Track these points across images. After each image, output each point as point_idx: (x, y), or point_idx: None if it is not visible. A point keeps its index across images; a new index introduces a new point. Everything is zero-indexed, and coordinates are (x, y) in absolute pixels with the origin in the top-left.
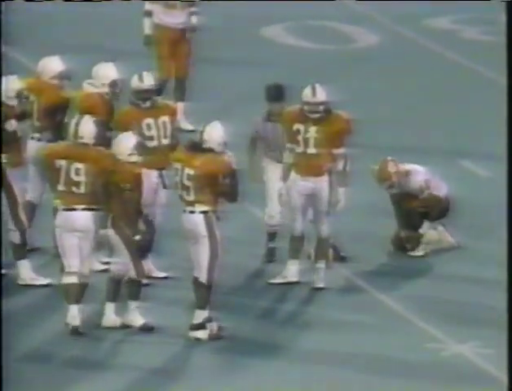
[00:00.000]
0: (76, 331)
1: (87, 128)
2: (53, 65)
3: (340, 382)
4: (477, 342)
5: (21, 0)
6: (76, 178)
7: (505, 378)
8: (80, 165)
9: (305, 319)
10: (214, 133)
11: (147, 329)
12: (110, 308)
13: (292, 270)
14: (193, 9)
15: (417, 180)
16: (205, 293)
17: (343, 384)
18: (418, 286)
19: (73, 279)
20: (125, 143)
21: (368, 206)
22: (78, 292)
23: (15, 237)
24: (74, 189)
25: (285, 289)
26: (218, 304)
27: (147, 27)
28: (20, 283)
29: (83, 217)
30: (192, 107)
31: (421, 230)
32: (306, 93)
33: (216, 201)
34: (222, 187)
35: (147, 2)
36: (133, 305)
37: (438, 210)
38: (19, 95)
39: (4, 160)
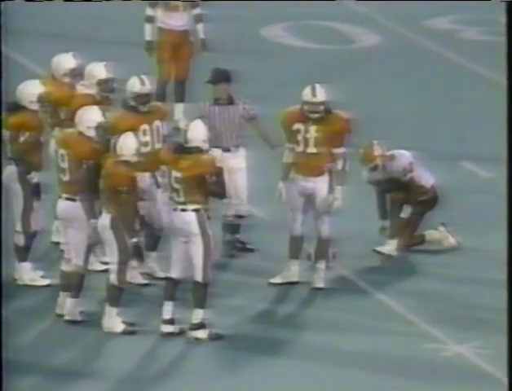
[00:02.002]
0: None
1: (79, 116)
2: (64, 62)
3: (340, 382)
4: (477, 342)
5: (21, 0)
6: (62, 165)
7: (505, 378)
8: (63, 151)
9: (304, 319)
10: (197, 131)
11: (128, 333)
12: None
13: (293, 270)
14: (197, 11)
15: (401, 163)
16: (202, 292)
17: (343, 384)
18: (418, 286)
19: (64, 267)
20: (130, 143)
21: (368, 206)
22: (70, 282)
23: (19, 239)
24: (61, 176)
25: (285, 289)
26: (217, 304)
27: (148, 33)
28: (20, 283)
29: (66, 207)
30: (192, 107)
31: (402, 215)
32: (307, 93)
33: (207, 199)
34: (210, 186)
35: (148, 8)
36: (113, 311)
37: (419, 200)
38: (40, 100)
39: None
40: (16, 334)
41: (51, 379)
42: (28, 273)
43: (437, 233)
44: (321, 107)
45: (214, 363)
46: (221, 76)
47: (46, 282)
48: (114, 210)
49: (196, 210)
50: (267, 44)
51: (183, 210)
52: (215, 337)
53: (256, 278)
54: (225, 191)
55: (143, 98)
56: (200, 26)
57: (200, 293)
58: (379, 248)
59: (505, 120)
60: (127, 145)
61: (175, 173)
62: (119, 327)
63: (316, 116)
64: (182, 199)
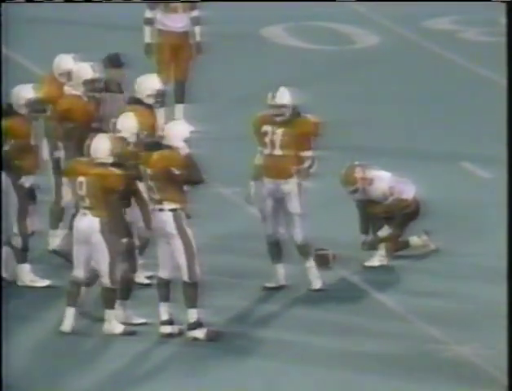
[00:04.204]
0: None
1: (121, 123)
2: (62, 63)
3: (339, 382)
4: (477, 343)
5: (21, 1)
6: None
7: (505, 378)
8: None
9: (303, 320)
10: (175, 129)
11: (128, 334)
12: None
13: (279, 274)
14: (195, 14)
15: (380, 187)
16: (192, 292)
17: (343, 385)
18: (418, 286)
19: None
20: (103, 146)
21: None
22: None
23: (17, 242)
24: None
25: (284, 290)
26: (214, 304)
27: (147, 35)
28: (20, 284)
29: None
30: (192, 107)
31: (379, 233)
32: (269, 96)
33: (184, 198)
34: (182, 177)
35: (147, 10)
36: (111, 314)
37: (403, 214)
38: (28, 105)
39: (19, 166)
40: (16, 333)
41: (51, 378)
42: (28, 274)
43: (419, 240)
44: (283, 110)
45: (212, 365)
46: (118, 61)
47: (45, 283)
48: (105, 213)
49: (172, 210)
50: (267, 44)
51: (161, 210)
52: (213, 336)
53: (253, 279)
54: (201, 176)
55: (162, 95)
56: (197, 28)
57: (190, 293)
58: (369, 263)
59: (505, 121)
60: (101, 147)
61: (148, 171)
62: (118, 328)
63: (279, 118)
64: (157, 196)
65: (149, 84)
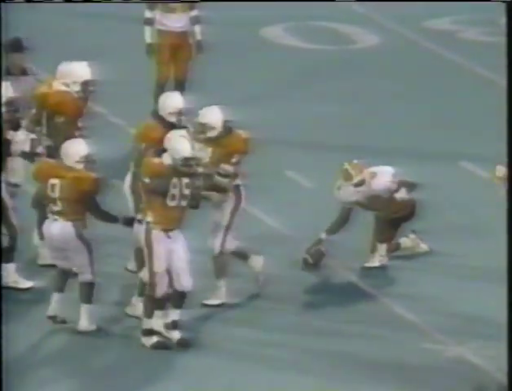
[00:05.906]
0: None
1: (168, 141)
2: (74, 70)
3: (339, 382)
4: (477, 343)
5: (21, 1)
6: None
7: (505, 378)
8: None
9: (304, 321)
10: (173, 146)
11: (103, 331)
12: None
13: (221, 290)
14: (194, 13)
15: (382, 182)
16: (149, 304)
17: (343, 385)
18: (418, 286)
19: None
20: (76, 150)
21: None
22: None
23: (4, 241)
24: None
25: (283, 291)
26: (210, 309)
27: (148, 36)
28: (3, 284)
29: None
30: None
31: (400, 240)
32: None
33: (164, 213)
34: (147, 187)
35: (147, 10)
36: (89, 309)
37: (400, 212)
38: (6, 104)
39: None
40: (14, 334)
41: (51, 378)
42: (12, 274)
43: (409, 240)
44: (204, 128)
45: (211, 367)
46: (19, 46)
47: (29, 284)
48: (76, 215)
49: (146, 223)
50: (267, 44)
51: (139, 220)
52: (160, 346)
53: (248, 283)
54: (162, 189)
55: (183, 114)
56: (197, 28)
57: (148, 304)
58: (368, 264)
59: (504, 121)
60: (70, 151)
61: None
62: (92, 325)
63: (201, 136)
64: (142, 205)
65: (172, 102)
